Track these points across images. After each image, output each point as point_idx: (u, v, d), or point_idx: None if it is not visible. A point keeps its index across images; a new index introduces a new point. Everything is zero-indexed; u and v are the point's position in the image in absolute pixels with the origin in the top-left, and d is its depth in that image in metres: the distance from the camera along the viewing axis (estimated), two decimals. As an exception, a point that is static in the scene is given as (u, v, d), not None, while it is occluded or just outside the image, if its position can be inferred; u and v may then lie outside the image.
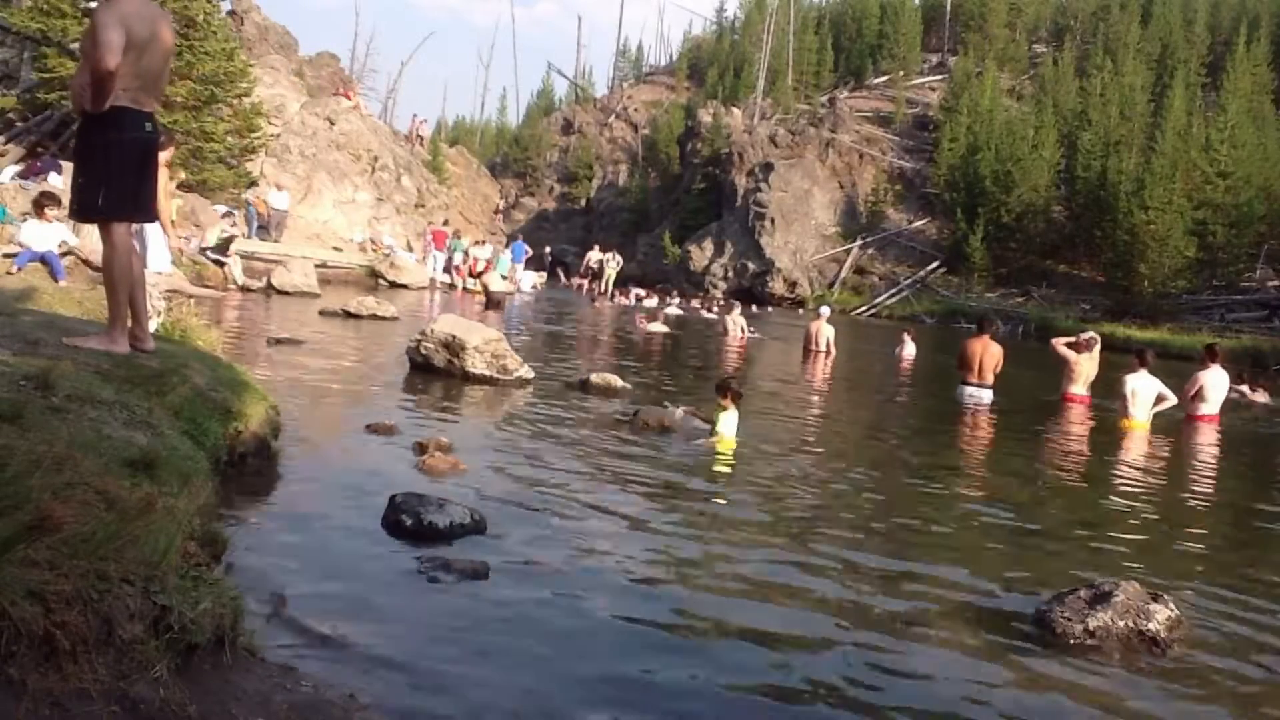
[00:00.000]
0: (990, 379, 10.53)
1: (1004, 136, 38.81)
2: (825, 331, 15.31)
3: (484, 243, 28.96)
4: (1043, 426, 9.61)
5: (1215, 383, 10.45)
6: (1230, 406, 11.17)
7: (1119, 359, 12.05)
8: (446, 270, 25.95)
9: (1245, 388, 14.01)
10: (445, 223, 27.92)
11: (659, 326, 17.65)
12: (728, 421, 6.67)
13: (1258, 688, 3.20)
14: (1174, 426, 10.04)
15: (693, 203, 46.62)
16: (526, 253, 31.97)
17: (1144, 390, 9.71)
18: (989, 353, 10.55)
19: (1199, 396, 10.36)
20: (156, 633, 1.95)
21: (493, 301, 19.33)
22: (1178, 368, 14.01)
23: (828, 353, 15.13)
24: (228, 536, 3.31)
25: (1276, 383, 15.78)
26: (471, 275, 25.95)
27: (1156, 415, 9.79)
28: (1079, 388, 10.91)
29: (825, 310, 16.36)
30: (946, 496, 5.81)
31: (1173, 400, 9.91)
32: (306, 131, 26.90)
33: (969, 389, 10.60)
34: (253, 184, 22.49)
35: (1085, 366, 10.96)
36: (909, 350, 16.50)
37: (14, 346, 3.84)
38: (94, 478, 2.36)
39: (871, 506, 5.33)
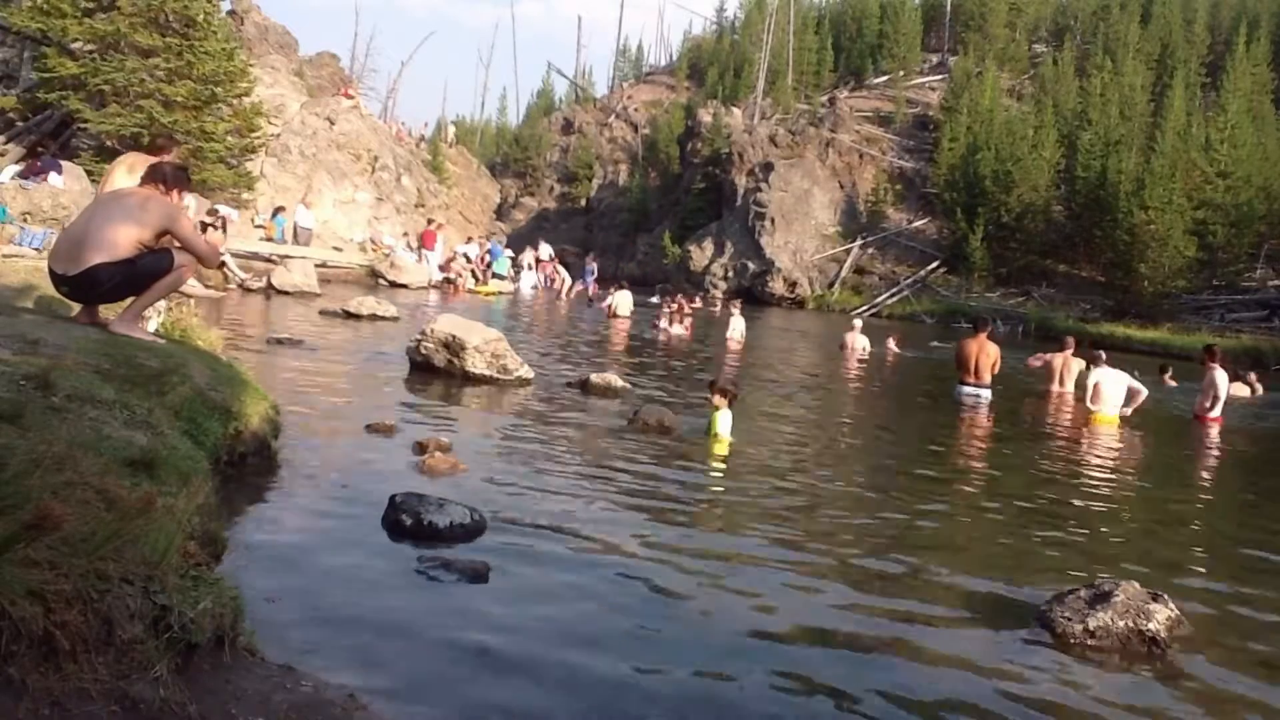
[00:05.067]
0: (988, 378, 10.58)
1: (1004, 136, 38.81)
2: (860, 341, 16.30)
3: (471, 240, 29.30)
4: (1042, 426, 9.61)
5: (1223, 383, 10.62)
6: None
7: (1121, 358, 12.16)
8: (442, 270, 25.94)
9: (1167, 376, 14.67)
10: (429, 222, 27.88)
11: (680, 330, 17.02)
12: (723, 421, 6.67)
13: (1258, 687, 3.20)
14: (1183, 427, 10.09)
15: (693, 203, 46.64)
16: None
17: (1110, 384, 9.82)
18: (985, 352, 10.60)
19: (1216, 397, 10.47)
20: (156, 632, 1.95)
21: None
22: (1189, 369, 14.19)
23: (862, 359, 15.82)
24: (228, 536, 3.31)
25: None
26: (473, 276, 26.05)
27: (1168, 416, 9.90)
28: (1060, 385, 11.57)
29: (858, 322, 17.49)
30: (945, 496, 5.81)
31: (1144, 395, 10.00)
32: (306, 131, 26.86)
33: (966, 389, 10.66)
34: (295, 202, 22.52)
35: (1072, 365, 11.61)
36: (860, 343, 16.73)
37: (14, 346, 3.84)
38: (94, 477, 2.36)
39: (870, 506, 5.33)
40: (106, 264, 4.89)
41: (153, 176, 5.36)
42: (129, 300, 5.17)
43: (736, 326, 17.11)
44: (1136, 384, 9.90)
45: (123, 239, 4.94)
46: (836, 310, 35.27)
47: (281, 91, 27.50)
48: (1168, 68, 43.77)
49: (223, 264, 15.80)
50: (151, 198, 5.18)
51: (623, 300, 20.97)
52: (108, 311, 5.31)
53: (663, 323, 17.39)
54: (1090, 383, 9.95)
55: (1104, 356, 10.40)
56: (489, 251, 29.43)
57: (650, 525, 4.45)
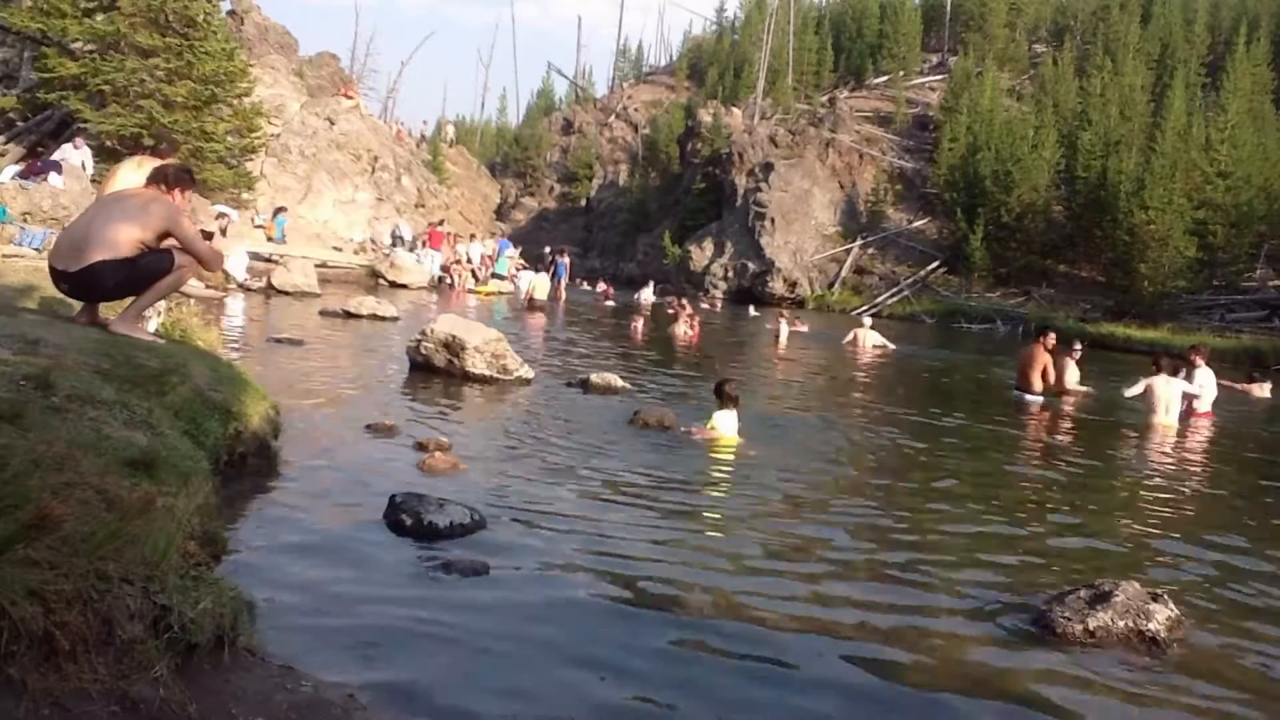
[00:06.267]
0: (1035, 385, 11.08)
1: (1004, 136, 38.77)
2: (869, 338, 16.86)
3: (475, 237, 29.36)
4: (1045, 426, 9.61)
5: (1210, 380, 11.02)
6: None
7: (1122, 358, 12.23)
8: (444, 269, 25.94)
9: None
10: (440, 222, 27.88)
11: (685, 329, 17.02)
12: (725, 420, 6.67)
13: (1258, 688, 3.20)
14: (1183, 426, 10.14)
15: (693, 203, 46.63)
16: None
17: (1174, 394, 10.21)
18: (1033, 360, 11.18)
19: (1197, 395, 10.85)
20: (156, 632, 1.95)
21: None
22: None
23: (883, 355, 16.32)
24: (228, 536, 3.31)
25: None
26: (473, 276, 26.07)
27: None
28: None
29: (868, 320, 18.16)
30: (946, 496, 5.80)
31: (1203, 396, 10.34)
32: (306, 131, 26.86)
33: (1014, 393, 11.38)
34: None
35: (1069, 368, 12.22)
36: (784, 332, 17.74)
37: (14, 346, 3.84)
38: (94, 477, 2.36)
39: (871, 505, 5.33)
40: (108, 262, 4.90)
41: (156, 178, 5.37)
42: (129, 300, 5.17)
43: (784, 331, 18.20)
44: (1191, 388, 10.32)
45: (124, 238, 4.95)
46: (836, 310, 35.24)
47: (281, 91, 27.49)
48: (1168, 68, 43.72)
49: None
50: (154, 199, 5.18)
51: (540, 284, 21.15)
52: (108, 311, 5.31)
53: (681, 327, 17.29)
54: (1148, 390, 10.25)
55: (1162, 364, 10.44)
56: (498, 247, 29.43)
57: (651, 525, 4.44)
